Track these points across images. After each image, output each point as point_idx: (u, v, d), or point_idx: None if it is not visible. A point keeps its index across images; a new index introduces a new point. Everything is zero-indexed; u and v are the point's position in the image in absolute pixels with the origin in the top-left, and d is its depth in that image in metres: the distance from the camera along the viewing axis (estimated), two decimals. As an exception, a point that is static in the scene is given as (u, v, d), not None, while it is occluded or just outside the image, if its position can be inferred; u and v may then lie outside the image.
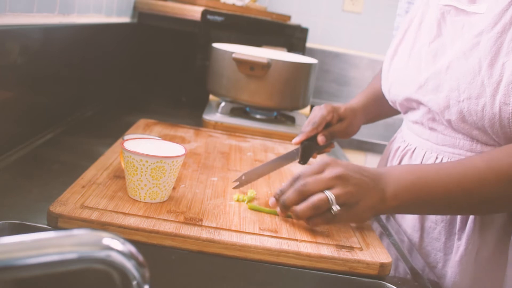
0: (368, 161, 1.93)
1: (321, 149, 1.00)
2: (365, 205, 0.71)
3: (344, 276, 0.67)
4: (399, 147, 1.01)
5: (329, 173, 0.71)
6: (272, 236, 0.70)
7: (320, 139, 0.98)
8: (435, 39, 0.88)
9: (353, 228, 0.77)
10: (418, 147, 0.94)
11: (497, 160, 0.73)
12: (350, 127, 1.05)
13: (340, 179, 0.71)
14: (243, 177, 0.78)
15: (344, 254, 0.68)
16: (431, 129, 0.90)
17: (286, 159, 0.91)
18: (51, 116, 1.09)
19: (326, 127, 1.01)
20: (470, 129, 0.81)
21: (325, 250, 0.68)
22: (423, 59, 0.89)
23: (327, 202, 0.69)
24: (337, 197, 0.70)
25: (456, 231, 0.86)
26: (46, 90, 1.05)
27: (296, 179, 0.73)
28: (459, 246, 0.86)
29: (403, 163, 0.97)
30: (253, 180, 0.86)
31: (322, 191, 0.70)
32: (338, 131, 1.03)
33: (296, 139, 0.98)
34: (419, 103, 0.90)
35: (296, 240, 0.70)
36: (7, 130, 0.90)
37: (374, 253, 0.70)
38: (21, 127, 0.95)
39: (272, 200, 0.75)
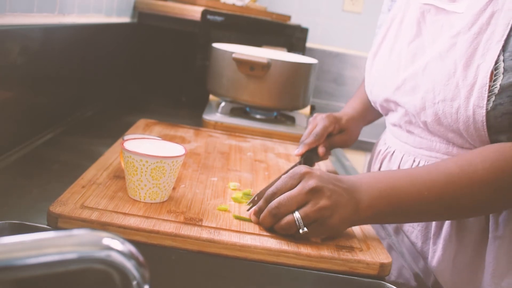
0: (368, 161, 1.93)
1: (320, 159, 1.01)
2: (339, 218, 0.69)
3: (344, 276, 0.67)
4: (380, 150, 1.01)
5: (301, 187, 0.69)
6: (272, 236, 0.70)
7: (321, 150, 0.98)
8: (414, 39, 0.87)
9: (353, 228, 0.76)
10: (396, 150, 0.93)
11: (471, 164, 0.71)
12: (350, 138, 1.05)
13: (312, 193, 0.68)
14: (255, 198, 0.78)
15: (344, 254, 0.68)
16: (408, 131, 0.89)
17: None
18: (51, 116, 1.09)
19: (326, 137, 1.01)
20: (446, 131, 0.80)
21: (325, 250, 0.68)
22: (403, 60, 0.88)
23: (294, 225, 0.68)
24: (308, 214, 0.67)
25: (431, 235, 0.86)
26: (46, 90, 1.05)
27: (271, 195, 0.71)
28: (435, 251, 0.85)
29: (383, 166, 0.97)
30: None
31: (294, 210, 0.68)
32: (338, 142, 1.03)
33: (299, 151, 0.98)
34: (397, 104, 0.89)
35: (296, 240, 0.70)
36: (7, 130, 0.90)
37: (374, 253, 0.70)
38: (21, 127, 0.95)
39: (253, 218, 0.73)
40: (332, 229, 0.70)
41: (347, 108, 1.11)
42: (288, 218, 0.68)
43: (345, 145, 1.06)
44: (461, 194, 0.71)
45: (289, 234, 0.69)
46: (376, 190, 0.71)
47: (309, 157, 0.97)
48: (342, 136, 1.03)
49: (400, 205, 0.71)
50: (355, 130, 1.07)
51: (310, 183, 0.69)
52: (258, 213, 0.72)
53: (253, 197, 0.78)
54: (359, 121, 1.09)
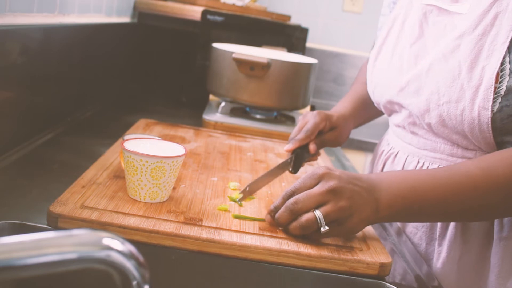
0: (368, 161, 1.93)
1: (310, 157, 0.98)
2: (358, 218, 0.68)
3: (344, 276, 0.67)
4: (383, 150, 1.00)
5: (321, 187, 0.68)
6: (272, 236, 0.70)
7: (312, 147, 0.95)
8: (417, 40, 0.87)
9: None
10: (400, 151, 0.93)
11: (493, 167, 0.70)
12: (341, 136, 1.02)
13: (332, 193, 0.67)
14: (247, 189, 0.77)
15: (344, 254, 0.68)
16: (412, 133, 0.89)
17: (282, 168, 0.90)
18: (51, 116, 1.09)
19: (317, 134, 0.98)
20: (450, 133, 0.80)
21: (325, 250, 0.68)
22: (405, 61, 0.88)
23: (315, 223, 0.67)
24: (329, 214, 0.67)
25: (436, 237, 0.86)
26: (46, 90, 1.05)
27: (289, 194, 0.70)
28: (440, 252, 0.85)
29: (386, 166, 0.97)
30: (257, 190, 0.85)
31: (313, 208, 0.68)
32: (329, 140, 1.00)
33: (289, 147, 0.94)
34: (401, 106, 0.88)
35: (296, 240, 0.70)
36: (7, 130, 0.90)
37: (374, 253, 0.70)
38: (21, 127, 0.95)
39: (267, 218, 0.73)
40: (350, 230, 0.70)
41: (338, 107, 1.09)
42: (308, 215, 0.67)
43: (336, 143, 1.03)
44: (481, 197, 0.70)
45: (307, 233, 0.69)
46: (396, 190, 0.70)
47: (300, 154, 0.94)
48: (333, 133, 1.00)
49: (420, 205, 0.71)
50: (346, 128, 1.04)
51: (330, 183, 0.68)
52: (273, 211, 0.71)
53: (244, 188, 0.77)
54: (350, 120, 1.06)
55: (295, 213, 0.68)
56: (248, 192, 0.77)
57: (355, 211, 0.68)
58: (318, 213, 0.67)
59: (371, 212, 0.69)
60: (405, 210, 0.71)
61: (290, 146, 0.94)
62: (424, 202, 0.71)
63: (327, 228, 0.67)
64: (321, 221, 0.67)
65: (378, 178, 0.72)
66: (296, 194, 0.69)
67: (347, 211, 0.68)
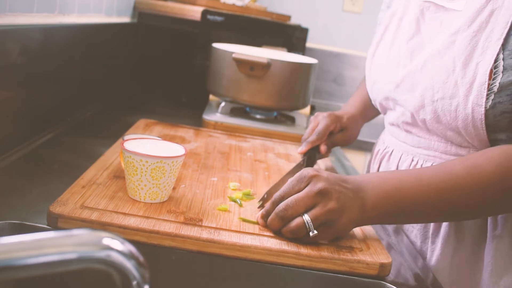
0: (368, 161, 1.93)
1: (321, 157, 1.03)
2: (347, 219, 0.68)
3: (344, 276, 0.67)
4: (379, 150, 1.01)
5: (309, 190, 0.68)
6: (272, 236, 0.70)
7: (323, 149, 1.00)
8: (413, 36, 0.87)
9: (353, 229, 0.76)
10: (395, 150, 0.94)
11: (478, 166, 0.70)
12: (350, 136, 1.07)
13: (320, 196, 0.67)
14: (265, 196, 0.77)
15: (344, 254, 0.68)
16: (406, 131, 0.90)
17: (296, 170, 0.90)
18: (51, 116, 1.09)
19: (328, 135, 1.03)
20: (444, 130, 0.80)
21: (325, 250, 0.68)
22: (402, 57, 0.88)
23: (304, 228, 0.67)
24: (318, 217, 0.67)
25: (430, 234, 0.86)
26: (46, 90, 1.05)
27: (278, 200, 0.70)
28: (434, 250, 0.85)
29: (381, 166, 0.98)
30: None
31: (302, 213, 0.67)
32: (339, 141, 1.05)
33: (302, 149, 1.00)
34: (396, 103, 0.89)
35: (296, 240, 0.70)
36: (7, 130, 0.90)
37: (374, 253, 0.70)
38: (21, 127, 0.95)
39: (261, 222, 0.72)
40: (340, 231, 0.70)
41: (348, 106, 1.12)
42: (297, 221, 0.67)
43: (346, 143, 1.07)
44: (467, 196, 0.70)
45: (298, 237, 0.68)
46: (382, 191, 0.70)
47: (312, 155, 0.98)
48: (343, 134, 1.05)
49: (406, 206, 0.71)
50: (356, 128, 1.09)
51: (318, 185, 0.68)
52: (265, 216, 0.72)
53: (262, 196, 0.78)
54: (359, 120, 1.10)
55: (285, 219, 0.68)
56: (267, 199, 0.76)
57: (343, 212, 0.68)
58: (306, 217, 0.67)
59: (358, 213, 0.69)
60: (392, 211, 0.71)
61: (303, 148, 1.00)
62: (409, 203, 0.70)
63: (315, 232, 0.67)
64: (310, 226, 0.67)
65: (363, 180, 0.72)
66: (286, 199, 0.69)
67: (336, 213, 0.67)
